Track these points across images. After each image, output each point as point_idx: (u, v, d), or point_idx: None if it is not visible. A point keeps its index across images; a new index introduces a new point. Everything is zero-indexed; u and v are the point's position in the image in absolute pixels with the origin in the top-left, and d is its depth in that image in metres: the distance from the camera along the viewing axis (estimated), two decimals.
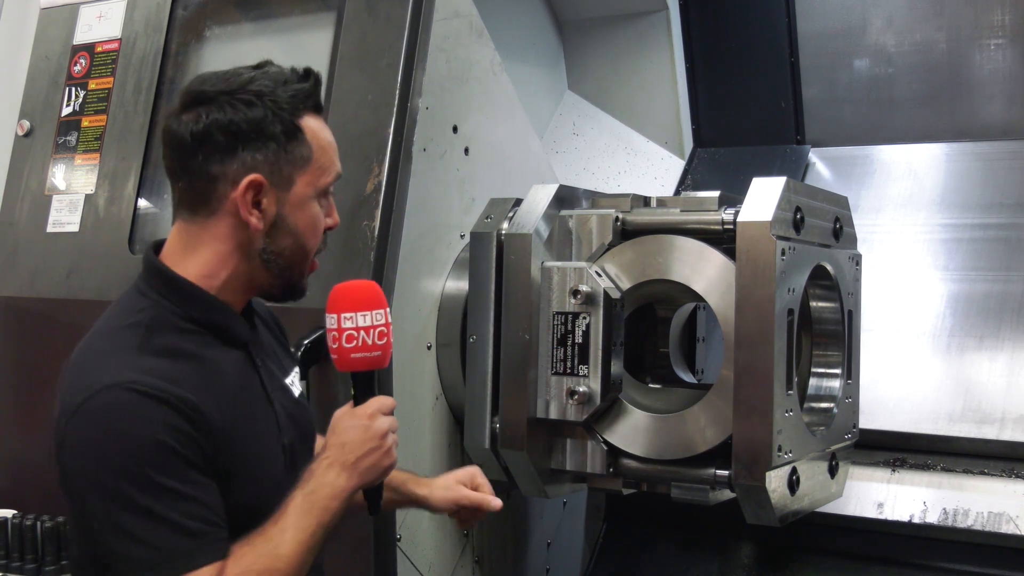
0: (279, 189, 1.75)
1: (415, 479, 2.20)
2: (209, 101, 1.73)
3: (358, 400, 1.78)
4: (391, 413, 1.78)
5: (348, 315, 1.75)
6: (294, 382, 1.96)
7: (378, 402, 1.77)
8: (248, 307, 1.87)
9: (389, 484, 1.93)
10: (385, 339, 1.78)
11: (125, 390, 1.61)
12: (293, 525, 1.66)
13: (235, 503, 1.69)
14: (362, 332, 1.76)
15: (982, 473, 2.93)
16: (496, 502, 2.18)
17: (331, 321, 1.76)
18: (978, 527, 2.82)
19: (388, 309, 1.79)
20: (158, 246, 1.83)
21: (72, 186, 3.17)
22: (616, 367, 2.49)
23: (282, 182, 1.75)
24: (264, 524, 1.67)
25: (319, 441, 1.92)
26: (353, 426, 1.74)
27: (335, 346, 1.76)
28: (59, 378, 1.74)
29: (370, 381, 1.80)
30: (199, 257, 1.77)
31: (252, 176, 1.72)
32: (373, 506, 1.84)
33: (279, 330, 2.05)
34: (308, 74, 1.80)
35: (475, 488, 2.20)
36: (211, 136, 1.72)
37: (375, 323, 1.76)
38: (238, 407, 1.74)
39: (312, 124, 1.78)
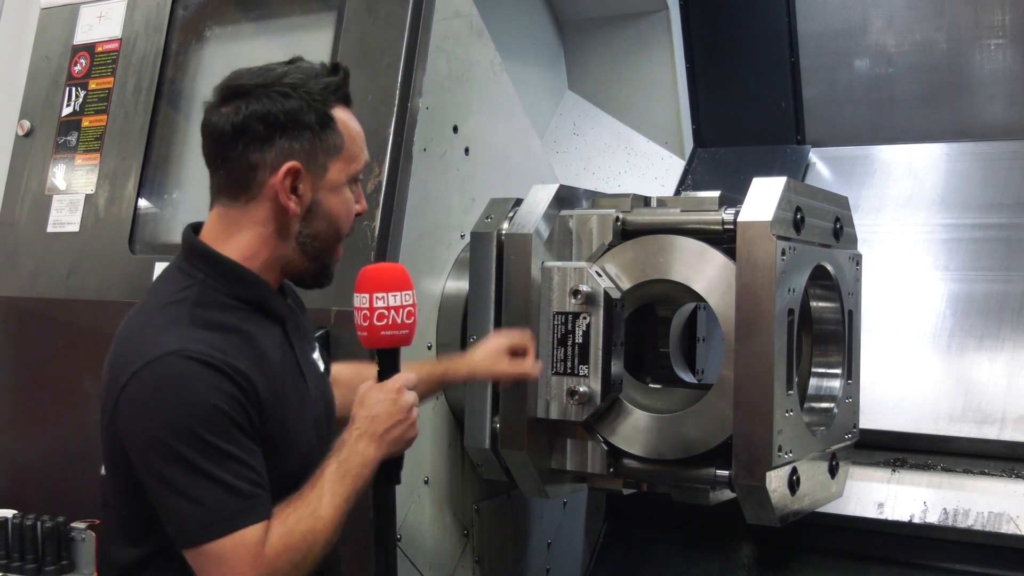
0: (315, 175, 1.87)
1: (453, 362, 2.44)
2: (247, 94, 1.84)
3: (383, 376, 1.92)
4: (414, 388, 1.92)
5: (380, 295, 1.89)
6: (318, 358, 2.06)
7: (403, 378, 1.91)
8: (281, 287, 1.97)
9: (431, 377, 2.28)
10: (413, 318, 1.92)
11: (181, 357, 1.72)
12: (330, 490, 1.79)
13: (277, 470, 1.80)
14: (392, 311, 1.90)
15: (982, 473, 2.93)
16: (535, 372, 2.44)
17: (361, 300, 1.90)
18: (978, 527, 2.82)
19: (414, 291, 1.93)
20: (196, 228, 1.94)
21: (72, 186, 3.17)
22: (616, 367, 2.49)
23: (317, 169, 1.87)
24: (302, 490, 1.79)
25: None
26: (381, 399, 1.88)
27: (366, 324, 1.90)
28: (108, 355, 1.86)
29: (395, 358, 1.94)
30: (240, 239, 1.88)
31: (291, 163, 1.83)
32: (395, 475, 1.95)
33: (301, 309, 2.11)
34: (337, 68, 1.91)
35: (523, 351, 2.44)
36: (250, 126, 1.83)
37: (404, 303, 1.91)
38: (280, 380, 1.85)
39: (342, 115, 1.90)
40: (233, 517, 1.70)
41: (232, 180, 1.86)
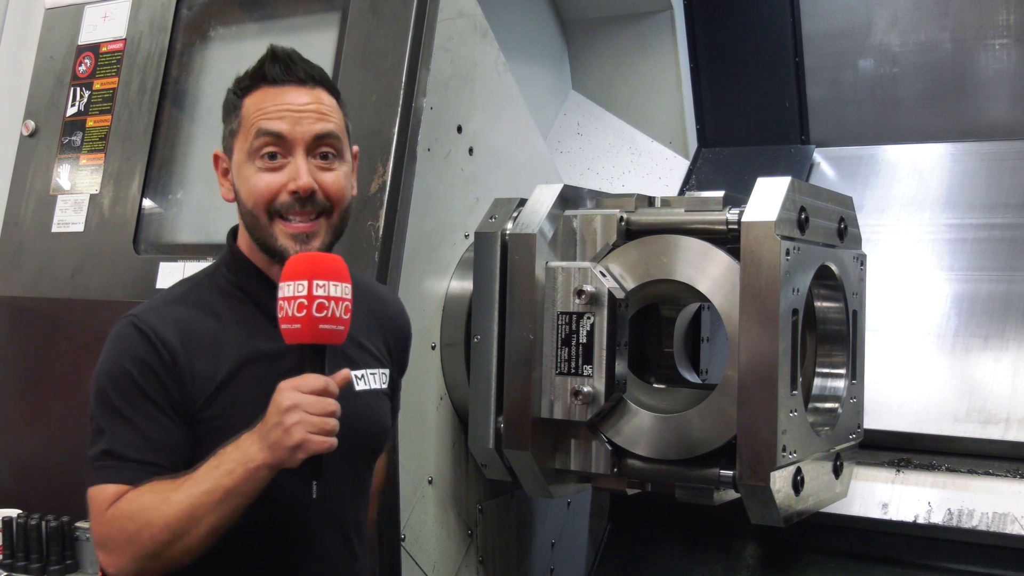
0: (231, 159, 1.94)
1: None
2: None
3: (297, 374, 1.74)
4: (319, 394, 1.70)
5: (321, 283, 1.71)
6: (364, 376, 1.98)
7: (300, 378, 1.72)
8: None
9: None
10: (305, 311, 1.71)
11: (127, 322, 1.86)
12: (196, 478, 1.72)
13: (209, 456, 1.76)
14: (284, 303, 1.72)
15: (987, 473, 2.93)
16: None
17: (297, 288, 1.72)
18: (983, 527, 2.81)
19: (320, 282, 1.73)
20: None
21: (77, 186, 3.17)
22: (620, 367, 2.49)
23: (229, 152, 1.95)
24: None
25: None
26: (272, 399, 1.72)
27: (301, 314, 1.71)
28: None
29: (309, 356, 1.74)
30: (241, 231, 1.98)
31: (216, 151, 1.99)
32: (307, 489, 1.76)
33: (388, 333, 2.11)
34: (269, 50, 1.93)
35: None
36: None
37: (296, 294, 1.71)
38: (246, 373, 1.84)
39: (257, 96, 1.91)
40: (99, 471, 1.78)
41: None
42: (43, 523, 2.76)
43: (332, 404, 1.71)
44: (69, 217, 3.15)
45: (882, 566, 2.96)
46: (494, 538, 2.91)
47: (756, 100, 4.18)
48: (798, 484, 2.42)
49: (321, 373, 1.73)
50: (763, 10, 4.12)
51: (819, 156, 4.05)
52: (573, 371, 2.49)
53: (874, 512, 2.93)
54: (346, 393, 1.82)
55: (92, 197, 3.13)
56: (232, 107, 1.94)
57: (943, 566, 2.90)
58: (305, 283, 1.71)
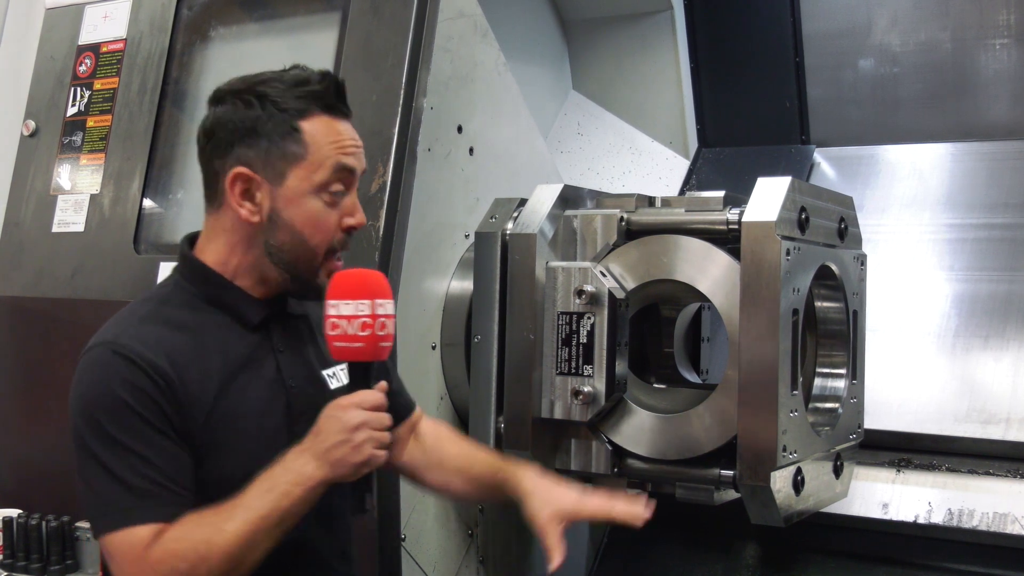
0: (272, 184, 1.82)
1: (520, 482, 2.11)
2: (221, 100, 1.86)
3: (350, 391, 1.76)
4: (378, 409, 1.73)
5: (333, 303, 1.74)
6: (335, 374, 1.96)
7: (361, 395, 1.73)
8: (283, 297, 1.91)
9: (492, 479, 2.11)
10: (369, 331, 1.72)
11: (104, 349, 1.77)
12: (247, 504, 1.68)
13: (214, 476, 1.75)
14: (344, 321, 1.72)
15: (987, 473, 2.92)
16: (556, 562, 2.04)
17: (359, 308, 1.74)
18: (983, 527, 2.81)
19: (380, 301, 1.73)
20: (194, 237, 1.95)
21: (77, 186, 3.17)
22: (621, 367, 2.49)
23: (275, 177, 1.81)
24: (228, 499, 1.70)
25: None
26: (329, 416, 1.72)
27: (364, 333, 1.73)
28: None
29: (361, 373, 1.76)
30: (215, 245, 1.88)
31: (237, 169, 1.81)
32: (358, 504, 1.83)
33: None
34: (323, 77, 1.86)
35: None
36: (215, 132, 1.84)
37: (358, 313, 1.72)
38: (230, 384, 1.81)
39: (317, 124, 1.83)
40: (122, 513, 1.69)
41: (205, 185, 1.88)
42: (43, 523, 2.76)
43: (388, 418, 1.75)
44: (69, 217, 3.15)
45: (882, 566, 2.96)
46: (494, 538, 2.91)
47: (756, 100, 4.18)
48: (798, 484, 2.42)
49: (368, 388, 1.75)
50: (763, 10, 4.11)
51: (819, 156, 4.05)
52: (573, 371, 2.49)
53: (874, 512, 2.93)
54: (323, 393, 1.87)
55: (92, 197, 3.13)
56: (284, 129, 1.82)
57: (943, 566, 2.90)
58: (368, 303, 1.72)
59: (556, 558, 2.02)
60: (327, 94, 1.85)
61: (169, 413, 1.73)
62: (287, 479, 1.69)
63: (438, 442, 2.21)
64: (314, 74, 1.86)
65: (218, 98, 1.86)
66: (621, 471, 2.55)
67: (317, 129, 1.83)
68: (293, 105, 1.82)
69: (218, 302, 1.87)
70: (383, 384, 1.77)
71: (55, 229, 3.17)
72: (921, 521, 2.88)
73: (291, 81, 1.84)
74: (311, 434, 1.73)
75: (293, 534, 1.75)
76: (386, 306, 1.73)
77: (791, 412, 2.35)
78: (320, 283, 1.84)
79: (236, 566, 1.68)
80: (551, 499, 2.06)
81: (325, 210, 1.83)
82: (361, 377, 1.76)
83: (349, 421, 1.70)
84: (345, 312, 1.72)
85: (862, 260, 2.79)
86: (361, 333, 1.71)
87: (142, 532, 1.67)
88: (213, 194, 1.87)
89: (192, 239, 1.94)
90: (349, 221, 1.86)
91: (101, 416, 1.72)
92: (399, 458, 2.13)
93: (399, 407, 2.09)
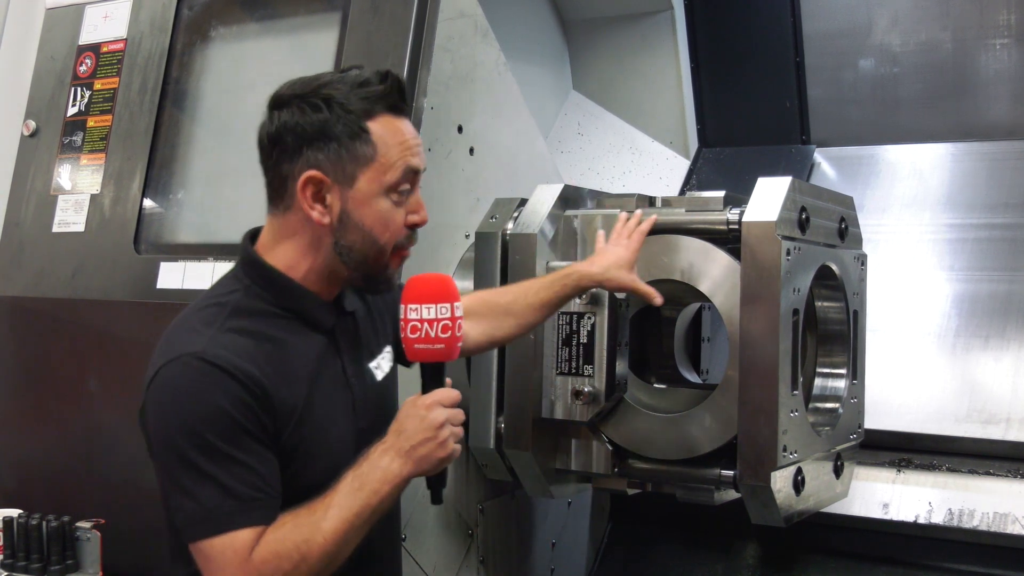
0: (343, 186, 1.83)
1: (583, 268, 2.36)
2: (284, 105, 1.85)
3: (425, 390, 1.83)
4: (456, 406, 1.82)
5: (414, 307, 1.80)
6: (380, 364, 2.02)
7: (440, 394, 1.81)
8: (340, 294, 1.96)
9: (558, 285, 2.30)
10: (449, 332, 1.81)
11: (196, 359, 1.75)
12: (339, 503, 1.74)
13: (299, 480, 1.80)
14: (426, 324, 1.80)
15: (987, 473, 2.93)
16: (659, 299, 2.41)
17: (402, 311, 1.82)
18: (983, 527, 2.81)
19: (457, 304, 1.83)
20: (254, 235, 1.95)
21: (77, 186, 3.17)
22: (621, 367, 2.49)
23: (345, 179, 1.83)
24: (316, 499, 1.75)
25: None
26: (411, 415, 1.79)
27: (445, 335, 1.81)
28: None
29: (437, 372, 1.84)
30: (283, 249, 1.89)
31: (309, 172, 1.82)
32: (436, 496, 1.88)
33: (387, 307, 2.10)
34: (385, 77, 1.86)
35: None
36: (282, 137, 1.84)
37: (439, 316, 1.80)
38: (313, 389, 1.85)
39: (383, 124, 1.85)
40: (225, 518, 1.72)
41: (271, 190, 1.89)
42: (43, 523, 2.75)
43: (463, 414, 1.83)
44: (70, 217, 3.15)
45: (883, 566, 2.96)
46: (495, 538, 2.91)
47: (757, 100, 4.18)
48: (799, 484, 2.42)
49: (442, 386, 1.83)
50: (764, 10, 4.11)
51: (820, 156, 4.05)
52: (574, 371, 2.49)
53: (875, 512, 2.93)
54: (373, 384, 1.95)
55: (93, 197, 3.13)
56: (352, 131, 1.83)
57: (944, 566, 2.90)
58: (448, 306, 1.81)
59: (657, 297, 2.40)
60: (391, 94, 1.86)
61: (265, 421, 1.77)
62: (375, 477, 1.75)
63: (488, 305, 2.31)
64: (374, 74, 1.87)
65: (280, 102, 1.85)
66: (621, 471, 2.56)
67: (384, 130, 1.85)
68: (359, 107, 1.83)
69: (292, 308, 1.88)
70: (449, 381, 1.85)
71: (55, 229, 3.16)
72: (921, 521, 2.88)
73: (353, 82, 1.85)
74: (392, 432, 1.79)
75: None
76: (460, 309, 1.83)
77: (791, 412, 2.35)
78: (390, 275, 1.92)
79: (331, 563, 1.74)
80: (613, 262, 2.37)
81: (393, 209, 1.86)
82: (437, 376, 1.84)
83: (435, 420, 1.77)
84: (426, 316, 1.80)
85: (862, 260, 2.79)
86: (443, 335, 1.81)
87: (245, 535, 1.72)
88: (280, 198, 1.87)
89: (252, 236, 1.94)
90: (413, 218, 1.89)
91: (201, 427, 1.72)
92: (467, 346, 2.21)
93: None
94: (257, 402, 1.76)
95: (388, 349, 2.07)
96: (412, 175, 1.87)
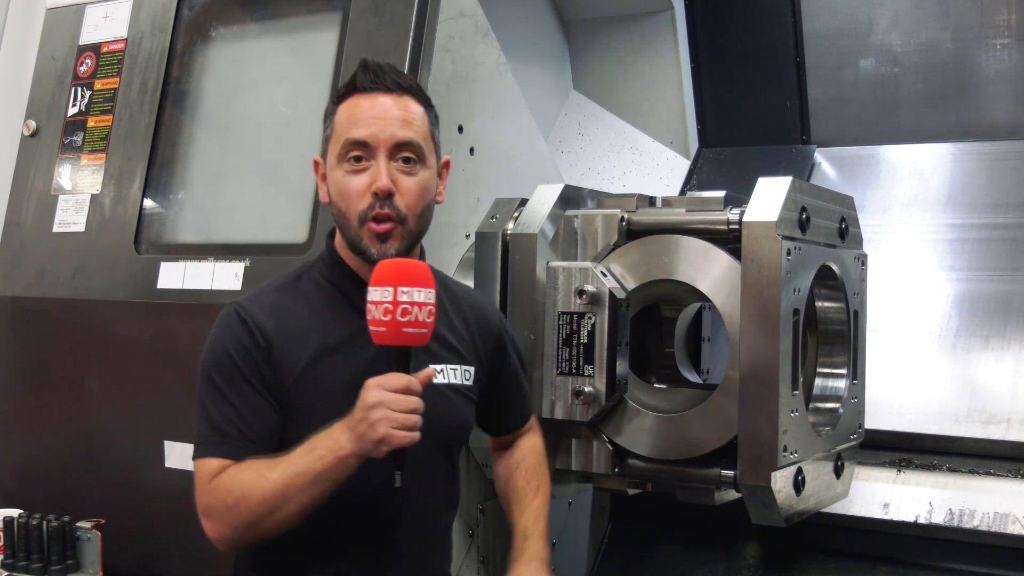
0: (327, 163, 2.06)
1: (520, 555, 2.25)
2: None
3: (385, 371, 1.86)
4: (405, 392, 1.83)
5: (405, 289, 1.83)
6: (444, 370, 2.09)
7: (389, 377, 1.84)
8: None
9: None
10: (433, 318, 1.86)
11: (231, 308, 2.02)
12: (289, 459, 1.86)
13: (290, 439, 1.92)
14: (416, 307, 1.83)
15: (988, 473, 2.92)
16: None
17: (383, 294, 1.84)
18: (984, 527, 2.81)
19: (404, 288, 1.84)
20: None
21: (78, 186, 3.17)
22: (621, 367, 2.49)
23: (326, 157, 2.06)
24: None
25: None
26: (361, 393, 1.85)
27: (387, 318, 1.83)
28: None
29: (398, 356, 1.86)
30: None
31: (316, 156, 2.11)
32: (388, 480, 1.88)
33: (477, 333, 2.20)
34: (362, 61, 2.05)
35: None
36: None
37: (427, 300, 1.84)
38: (328, 360, 1.99)
39: (348, 103, 2.03)
40: (202, 445, 1.95)
41: None
42: (44, 523, 2.76)
43: (414, 402, 1.84)
44: (70, 217, 3.15)
45: (883, 566, 2.96)
46: (495, 538, 2.91)
47: (757, 100, 4.18)
48: (799, 484, 2.42)
49: (405, 372, 1.85)
50: (764, 10, 4.11)
51: (820, 156, 4.05)
52: (574, 371, 2.49)
53: (875, 512, 2.93)
54: (426, 385, 1.95)
55: (93, 197, 3.13)
56: (328, 115, 2.06)
57: (944, 566, 2.90)
58: (391, 289, 1.83)
59: None
60: (358, 74, 2.03)
61: (264, 370, 1.96)
62: (324, 445, 1.85)
63: (511, 469, 2.35)
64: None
65: None
66: (622, 471, 2.56)
67: (346, 108, 2.03)
68: (341, 93, 2.05)
69: (333, 281, 2.06)
70: (427, 371, 1.89)
71: (56, 229, 3.17)
72: (922, 521, 2.88)
73: (352, 75, 2.04)
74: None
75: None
76: (412, 293, 1.83)
77: (792, 412, 2.35)
78: (365, 246, 2.00)
79: (271, 511, 1.85)
80: None
81: (346, 178, 2.00)
82: (397, 359, 1.86)
83: (366, 399, 1.82)
84: (374, 297, 1.83)
85: (863, 260, 2.79)
86: (383, 318, 1.83)
87: (213, 464, 1.92)
88: None
89: None
90: (372, 187, 1.98)
91: (210, 366, 1.97)
92: (495, 464, 2.39)
93: (506, 417, 2.34)
94: (258, 349, 1.96)
95: (463, 368, 2.14)
96: (353, 145, 1.99)
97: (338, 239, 2.08)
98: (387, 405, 1.81)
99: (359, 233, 1.99)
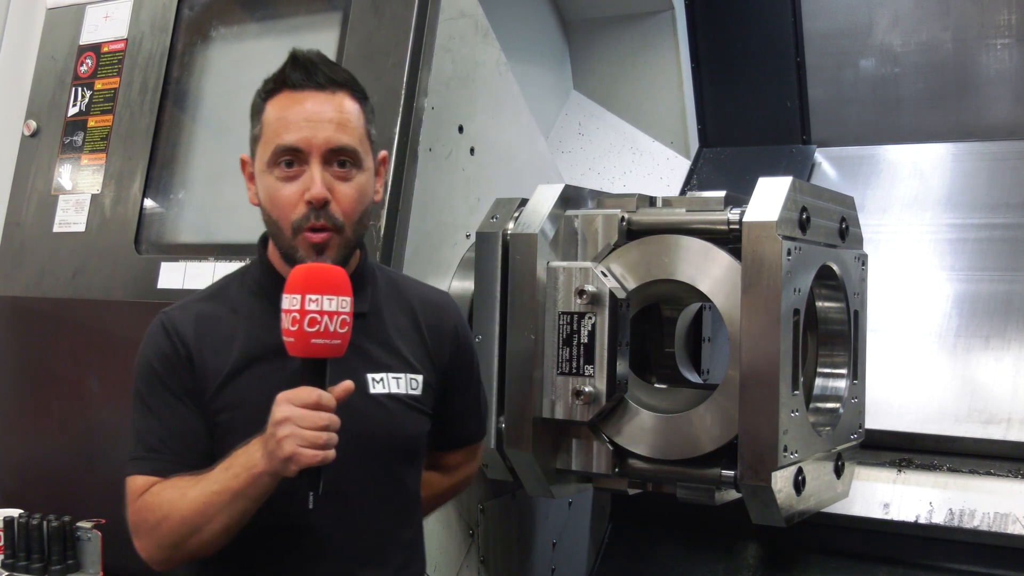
0: (255, 164, 1.91)
1: None
2: None
3: (298, 384, 1.72)
4: (315, 407, 1.69)
5: (314, 297, 1.69)
6: (384, 379, 1.93)
7: (298, 391, 1.70)
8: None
9: None
10: (346, 328, 1.71)
11: (156, 319, 1.93)
12: (210, 477, 1.77)
13: (223, 445, 1.82)
14: (326, 317, 1.68)
15: (988, 473, 2.93)
16: None
17: (292, 302, 1.69)
18: (984, 527, 2.81)
19: (313, 296, 1.69)
20: None
21: (78, 186, 3.17)
22: (622, 367, 2.49)
23: (254, 158, 1.92)
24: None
25: None
26: (271, 410, 1.72)
27: (294, 328, 1.69)
28: None
29: (317, 369, 1.72)
30: None
31: (242, 155, 1.95)
32: (310, 498, 1.74)
33: (430, 337, 2.02)
34: (291, 54, 1.90)
35: None
36: None
37: (340, 309, 1.69)
38: (252, 369, 1.87)
39: (277, 101, 1.88)
40: (131, 462, 1.88)
41: None
42: (44, 523, 2.75)
43: (325, 418, 1.69)
44: (70, 217, 3.15)
45: (883, 566, 2.96)
46: (495, 538, 2.91)
47: (757, 100, 4.18)
48: (799, 484, 2.42)
49: (320, 386, 1.71)
50: (764, 10, 4.12)
51: (820, 156, 4.05)
52: (574, 371, 2.49)
53: (875, 512, 2.93)
54: (358, 393, 1.80)
55: (93, 197, 3.13)
56: (256, 111, 1.91)
57: (944, 566, 2.90)
58: (298, 297, 1.69)
59: None
60: (287, 70, 1.87)
61: (186, 380, 1.87)
62: (240, 462, 1.74)
63: (428, 487, 2.13)
64: (290, 54, 1.90)
65: None
66: (622, 471, 2.55)
67: (274, 107, 1.88)
68: (265, 87, 1.90)
69: (265, 288, 1.93)
70: (345, 384, 1.73)
71: (56, 229, 3.16)
72: (922, 521, 2.88)
73: (280, 68, 1.89)
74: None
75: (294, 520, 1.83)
76: (322, 301, 1.69)
77: (792, 412, 2.35)
78: (301, 258, 1.84)
79: (193, 531, 1.77)
80: None
81: (276, 185, 1.85)
82: (312, 372, 1.72)
83: (274, 415, 1.69)
84: (328, 308, 1.69)
85: (863, 260, 2.79)
86: (291, 328, 1.69)
87: (139, 481, 1.85)
88: None
89: None
90: (306, 195, 1.83)
91: (137, 378, 1.91)
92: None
93: (453, 431, 2.12)
94: (180, 361, 1.87)
95: (409, 376, 1.96)
96: (285, 151, 1.83)
97: (271, 246, 1.93)
98: (295, 421, 1.67)
99: (293, 244, 1.85)
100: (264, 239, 1.96)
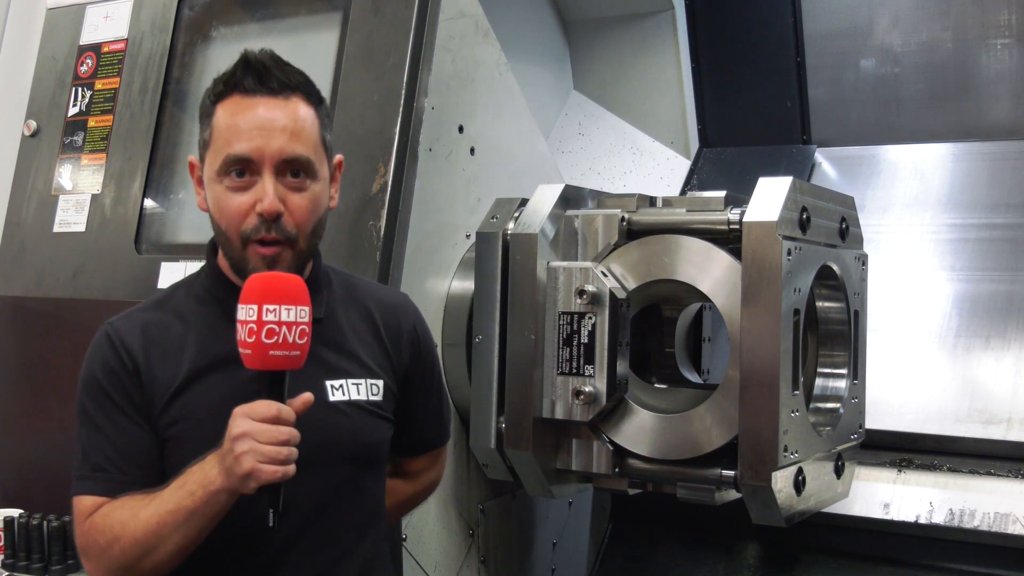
0: (204, 170, 1.84)
1: None
2: None
3: (256, 398, 1.67)
4: (274, 422, 1.64)
5: (271, 307, 1.63)
6: (344, 386, 1.89)
7: (256, 405, 1.65)
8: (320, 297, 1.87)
9: None
10: (305, 339, 1.66)
11: (101, 330, 1.87)
12: (162, 496, 1.71)
13: (171, 464, 1.78)
14: (284, 328, 1.63)
15: (988, 473, 2.93)
16: None
17: (248, 312, 1.64)
18: (984, 528, 2.81)
19: (270, 307, 1.64)
20: None
21: (78, 186, 3.17)
22: (622, 367, 2.49)
23: (203, 161, 1.85)
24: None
25: None
26: (228, 424, 1.67)
27: (251, 340, 1.63)
28: None
29: (276, 382, 1.67)
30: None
31: (191, 157, 1.89)
32: (269, 517, 1.69)
33: (389, 341, 1.98)
34: (243, 56, 1.83)
35: None
36: None
37: (299, 319, 1.64)
38: (204, 379, 1.81)
39: (227, 106, 1.81)
40: (78, 481, 1.80)
41: None
42: (44, 523, 2.75)
43: (285, 432, 1.64)
44: (71, 217, 3.15)
45: (884, 566, 2.96)
46: (495, 538, 2.91)
47: (758, 100, 4.18)
48: (799, 484, 2.42)
49: (279, 398, 1.66)
50: (764, 10, 4.12)
51: (820, 156, 4.05)
52: (574, 371, 2.49)
53: (876, 512, 2.93)
54: (317, 402, 1.75)
55: (94, 197, 3.13)
56: (206, 114, 1.83)
57: (945, 566, 2.90)
58: (255, 307, 1.63)
59: None
60: (239, 73, 1.81)
61: (133, 394, 1.80)
62: (196, 479, 1.68)
63: (393, 495, 2.11)
64: (242, 55, 1.83)
65: None
66: (622, 471, 2.55)
67: (224, 112, 1.80)
68: (215, 89, 1.83)
69: (215, 295, 1.87)
70: (304, 397, 1.69)
71: (56, 229, 3.17)
72: (922, 521, 2.88)
73: (231, 68, 1.83)
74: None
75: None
76: (279, 311, 1.63)
77: (792, 412, 2.35)
78: (252, 269, 1.78)
79: (146, 552, 1.71)
80: None
81: (226, 195, 1.78)
82: (275, 386, 1.67)
83: (232, 430, 1.64)
84: (286, 318, 1.64)
85: (863, 260, 2.79)
86: (248, 339, 1.64)
87: (87, 502, 1.78)
88: None
89: None
90: (257, 207, 1.77)
91: (82, 392, 1.84)
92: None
93: (414, 436, 2.08)
94: (127, 375, 1.80)
95: (369, 382, 1.92)
96: (236, 161, 1.77)
97: (221, 252, 1.87)
98: (254, 436, 1.61)
99: (244, 255, 1.79)
100: (214, 245, 1.89)
